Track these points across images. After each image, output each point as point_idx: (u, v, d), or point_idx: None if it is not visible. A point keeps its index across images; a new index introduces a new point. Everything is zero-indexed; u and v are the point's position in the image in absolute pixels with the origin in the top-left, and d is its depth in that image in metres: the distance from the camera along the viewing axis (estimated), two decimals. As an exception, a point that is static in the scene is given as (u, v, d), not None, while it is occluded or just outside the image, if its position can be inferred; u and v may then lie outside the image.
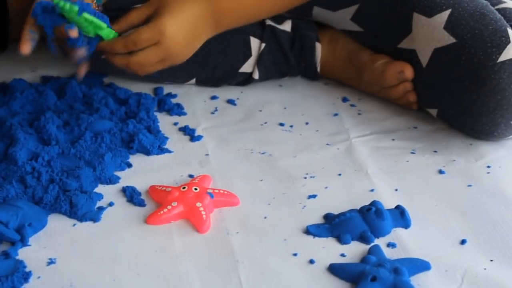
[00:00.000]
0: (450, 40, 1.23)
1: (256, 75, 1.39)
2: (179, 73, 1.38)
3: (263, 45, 1.39)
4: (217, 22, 1.21)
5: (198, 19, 1.19)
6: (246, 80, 1.41)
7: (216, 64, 1.38)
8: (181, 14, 1.17)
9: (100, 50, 1.17)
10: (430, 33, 1.26)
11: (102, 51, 1.18)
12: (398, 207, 1.09)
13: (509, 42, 1.20)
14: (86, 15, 1.10)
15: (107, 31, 1.14)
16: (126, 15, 1.18)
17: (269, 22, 1.40)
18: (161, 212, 1.07)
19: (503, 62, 1.19)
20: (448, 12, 1.25)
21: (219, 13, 1.21)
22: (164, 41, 1.15)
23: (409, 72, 1.29)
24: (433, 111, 1.29)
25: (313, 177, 1.17)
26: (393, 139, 1.27)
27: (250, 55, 1.39)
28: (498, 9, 1.29)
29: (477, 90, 1.20)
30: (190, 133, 1.27)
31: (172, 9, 1.16)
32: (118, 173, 1.16)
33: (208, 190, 1.10)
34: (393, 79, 1.31)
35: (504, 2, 1.33)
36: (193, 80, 1.40)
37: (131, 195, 1.11)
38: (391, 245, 1.03)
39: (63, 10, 1.09)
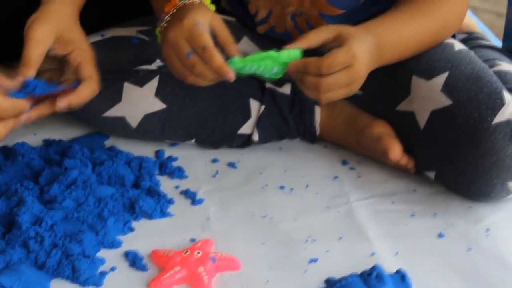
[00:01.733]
0: (447, 102, 1.24)
1: (255, 137, 1.40)
2: (179, 132, 1.39)
3: (263, 107, 1.39)
4: (380, 55, 1.21)
5: (371, 49, 1.18)
6: (246, 142, 1.41)
7: (216, 125, 1.38)
8: (364, 41, 1.17)
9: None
10: (428, 95, 1.27)
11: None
12: (398, 271, 1.09)
13: (503, 104, 1.21)
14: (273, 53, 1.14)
15: (292, 53, 1.15)
16: (305, 36, 1.17)
17: (269, 85, 1.41)
18: (164, 276, 1.07)
19: (498, 123, 1.20)
20: (445, 74, 1.26)
21: (383, 46, 1.21)
22: (356, 64, 1.14)
23: (394, 155, 1.30)
24: (431, 174, 1.29)
25: (314, 240, 1.17)
26: (393, 202, 1.28)
27: (249, 117, 1.39)
28: (494, 71, 1.30)
29: (472, 152, 1.21)
30: (191, 197, 1.27)
31: (356, 36, 1.16)
32: (120, 237, 1.16)
33: (210, 255, 1.10)
34: (383, 155, 1.32)
35: (499, 64, 1.35)
36: (193, 140, 1.40)
37: (134, 260, 1.11)
38: (392, 310, 1.03)
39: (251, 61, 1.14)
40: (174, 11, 1.18)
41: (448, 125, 1.24)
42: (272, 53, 1.13)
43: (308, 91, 1.16)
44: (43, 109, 1.14)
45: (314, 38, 1.17)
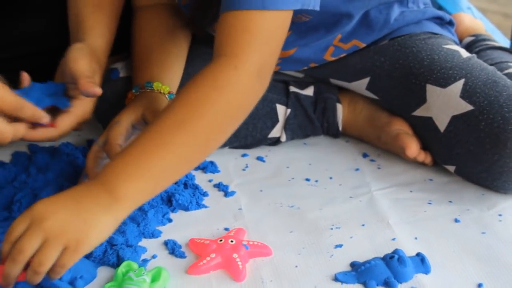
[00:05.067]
0: (468, 107, 1.23)
1: (283, 138, 1.40)
2: None
3: (289, 110, 1.40)
4: (116, 206, 0.97)
5: (83, 195, 0.97)
6: (274, 142, 1.42)
7: (247, 132, 1.39)
8: (60, 194, 0.97)
9: None
10: (447, 102, 1.26)
11: None
12: (418, 254, 1.09)
13: None
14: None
15: None
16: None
17: (293, 89, 1.41)
18: (201, 263, 1.07)
19: None
20: (462, 81, 1.25)
21: (116, 197, 0.97)
22: (34, 218, 0.93)
23: (410, 152, 1.30)
24: (451, 168, 1.29)
25: (339, 228, 1.17)
26: (411, 191, 1.27)
27: (277, 121, 1.40)
28: (506, 74, 1.30)
29: (498, 152, 1.20)
30: (224, 189, 1.28)
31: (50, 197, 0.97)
32: (160, 228, 1.17)
33: (243, 242, 1.10)
34: (401, 151, 1.32)
35: (511, 67, 1.33)
36: (226, 147, 1.41)
37: (173, 248, 1.12)
38: (413, 290, 1.04)
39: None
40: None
41: (471, 128, 1.23)
42: None
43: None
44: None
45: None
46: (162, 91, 1.23)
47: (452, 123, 1.25)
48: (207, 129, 1.04)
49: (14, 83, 1.10)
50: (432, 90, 1.28)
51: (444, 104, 1.26)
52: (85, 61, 1.16)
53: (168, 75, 1.27)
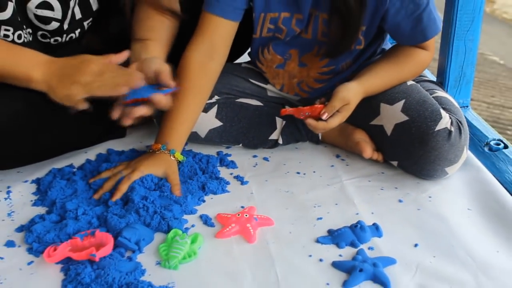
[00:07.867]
0: (405, 118, 1.25)
1: (280, 141, 1.40)
2: (231, 139, 1.39)
3: (284, 122, 1.40)
4: (364, 94, 1.27)
5: (360, 93, 1.27)
6: (274, 144, 1.40)
7: (254, 134, 1.39)
8: (354, 91, 1.25)
9: None
10: (392, 114, 1.27)
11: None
12: (374, 224, 1.11)
13: (441, 118, 1.22)
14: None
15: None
16: (331, 106, 1.23)
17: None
18: (225, 230, 1.09)
19: (438, 130, 1.21)
20: (403, 101, 1.26)
21: (368, 90, 1.27)
22: (350, 105, 1.23)
23: (366, 154, 1.30)
24: (395, 163, 1.30)
25: (320, 206, 1.18)
26: (369, 180, 1.28)
27: (275, 128, 1.39)
28: (434, 97, 1.30)
29: (423, 149, 1.22)
30: (240, 180, 1.28)
31: (349, 89, 1.24)
32: (196, 207, 1.18)
33: (254, 216, 1.12)
34: (361, 153, 1.32)
35: (436, 92, 1.33)
36: (240, 144, 1.40)
37: (205, 220, 1.13)
38: (370, 248, 1.06)
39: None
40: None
41: (406, 132, 1.24)
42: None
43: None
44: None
45: (337, 106, 1.24)
46: (178, 159, 1.25)
47: (395, 129, 1.26)
48: (416, 67, 1.32)
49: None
50: (383, 107, 1.28)
51: (391, 116, 1.27)
52: (166, 64, 1.18)
53: (183, 140, 1.29)
